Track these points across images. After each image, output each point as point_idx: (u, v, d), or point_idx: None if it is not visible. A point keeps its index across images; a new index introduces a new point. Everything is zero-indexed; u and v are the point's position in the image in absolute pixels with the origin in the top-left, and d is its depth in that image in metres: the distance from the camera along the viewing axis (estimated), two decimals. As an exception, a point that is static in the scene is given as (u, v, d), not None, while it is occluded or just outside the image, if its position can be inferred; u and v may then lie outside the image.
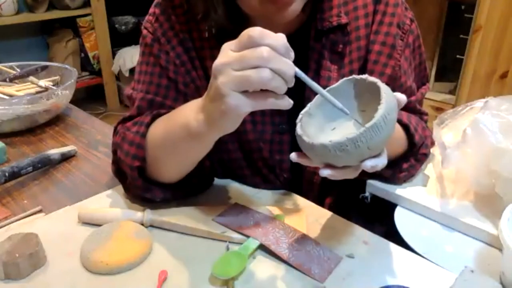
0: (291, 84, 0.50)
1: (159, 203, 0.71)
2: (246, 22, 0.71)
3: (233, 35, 0.70)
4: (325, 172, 0.52)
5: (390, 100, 0.50)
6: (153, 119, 0.69)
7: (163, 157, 0.67)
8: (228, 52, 0.50)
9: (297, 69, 0.50)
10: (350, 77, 0.57)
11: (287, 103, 0.52)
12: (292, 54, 0.50)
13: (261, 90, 0.50)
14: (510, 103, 0.71)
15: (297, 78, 0.51)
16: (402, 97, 0.54)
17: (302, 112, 0.56)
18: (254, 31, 0.48)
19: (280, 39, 0.49)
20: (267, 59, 0.48)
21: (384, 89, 0.51)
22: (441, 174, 0.79)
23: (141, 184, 0.68)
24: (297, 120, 0.55)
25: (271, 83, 0.48)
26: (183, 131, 0.60)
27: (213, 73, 0.51)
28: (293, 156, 0.55)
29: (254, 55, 0.48)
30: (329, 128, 0.59)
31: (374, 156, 0.51)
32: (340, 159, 0.50)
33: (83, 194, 0.77)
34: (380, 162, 0.52)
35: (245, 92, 0.50)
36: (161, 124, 0.67)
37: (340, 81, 0.57)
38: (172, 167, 0.68)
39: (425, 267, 0.60)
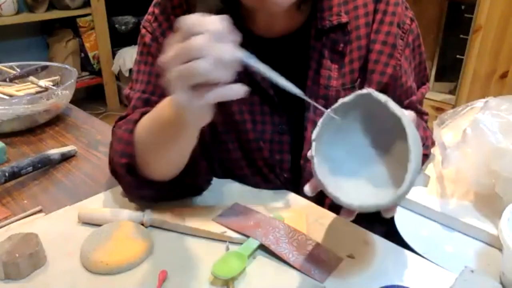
0: (236, 69, 0.47)
1: (159, 203, 0.71)
2: (248, 22, 0.71)
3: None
4: (344, 216, 0.54)
5: (418, 154, 0.49)
6: (142, 115, 0.68)
7: (149, 152, 0.65)
8: (172, 45, 0.48)
9: (240, 53, 0.47)
10: (365, 92, 0.52)
11: (238, 92, 0.49)
12: (234, 37, 0.47)
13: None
14: (510, 103, 0.71)
15: (298, 87, 0.50)
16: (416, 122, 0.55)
17: (313, 138, 0.53)
18: (189, 19, 0.45)
19: (216, 23, 0.46)
20: (201, 48, 0.45)
21: (412, 136, 0.49)
22: (441, 174, 0.79)
23: (131, 182, 0.68)
24: (312, 153, 0.52)
25: (212, 74, 0.45)
26: (162, 123, 0.60)
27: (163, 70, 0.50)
28: (308, 191, 0.56)
29: (190, 46, 0.45)
30: (337, 148, 0.57)
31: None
32: (361, 211, 0.52)
33: (83, 194, 0.77)
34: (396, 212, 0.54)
35: (194, 87, 0.47)
36: (146, 118, 0.66)
37: (353, 95, 0.53)
38: (160, 162, 0.66)
39: (425, 267, 0.60)
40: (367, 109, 0.55)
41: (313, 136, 0.53)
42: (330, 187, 0.51)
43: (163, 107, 0.59)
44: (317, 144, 0.53)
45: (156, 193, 0.69)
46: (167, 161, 0.66)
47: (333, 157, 0.56)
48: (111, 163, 0.74)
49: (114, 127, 0.75)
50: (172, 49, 0.47)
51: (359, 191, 0.54)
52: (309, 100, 0.52)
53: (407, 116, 0.50)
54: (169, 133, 0.60)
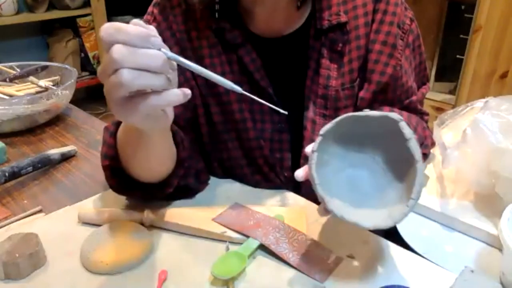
0: (167, 72, 0.45)
1: (159, 203, 0.71)
2: (247, 21, 0.71)
3: (233, 33, 0.70)
4: (321, 214, 0.56)
5: (422, 175, 0.51)
6: None
7: (127, 156, 0.64)
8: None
9: (169, 54, 0.45)
10: (396, 117, 0.52)
11: (177, 96, 0.46)
12: (154, 39, 0.44)
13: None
14: (510, 103, 0.71)
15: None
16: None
17: (314, 148, 0.53)
18: (103, 30, 0.43)
19: (132, 30, 0.43)
20: (120, 60, 0.42)
21: (419, 168, 0.50)
22: (441, 174, 0.79)
23: (117, 183, 0.67)
24: (312, 162, 0.52)
25: (135, 82, 0.43)
26: (127, 131, 0.61)
27: None
28: (320, 212, 0.56)
29: (111, 58, 0.42)
30: (336, 156, 0.58)
31: None
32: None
33: (83, 194, 0.77)
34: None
35: (128, 98, 0.45)
36: (123, 123, 0.65)
37: (380, 113, 0.53)
38: (140, 166, 0.64)
39: (425, 267, 0.60)
40: (382, 130, 0.54)
41: (322, 131, 0.53)
42: (320, 186, 0.52)
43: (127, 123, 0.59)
44: (323, 140, 0.53)
45: (144, 194, 0.68)
46: (147, 165, 0.64)
47: (331, 161, 0.57)
48: None
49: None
50: (104, 59, 0.45)
51: (347, 201, 0.55)
52: (252, 96, 0.50)
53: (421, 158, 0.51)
54: (135, 140, 0.59)
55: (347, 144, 0.58)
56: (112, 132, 0.66)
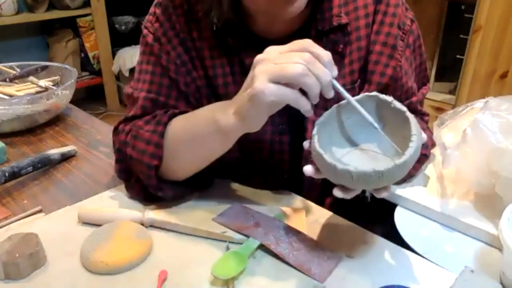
0: (329, 94, 0.53)
1: (159, 203, 0.71)
2: (248, 21, 0.71)
3: (233, 35, 0.70)
4: (338, 194, 0.54)
5: (420, 137, 0.51)
6: (170, 118, 0.69)
7: (183, 154, 0.67)
8: (273, 51, 0.54)
9: (335, 82, 0.53)
10: (373, 94, 0.57)
11: (308, 108, 0.54)
12: (335, 70, 0.53)
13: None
14: (510, 103, 0.71)
15: None
16: (424, 136, 0.55)
17: (317, 122, 0.56)
18: (306, 41, 0.53)
19: (326, 53, 0.53)
20: (307, 60, 0.51)
21: (414, 122, 0.52)
22: (441, 174, 0.79)
23: (155, 183, 0.68)
24: (314, 132, 0.55)
25: (303, 78, 0.51)
26: (210, 126, 0.62)
27: (253, 65, 0.54)
28: (308, 171, 0.56)
29: (297, 54, 0.51)
30: (340, 140, 0.59)
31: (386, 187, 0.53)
32: (357, 185, 0.51)
33: (83, 194, 0.77)
34: (390, 193, 0.54)
35: (275, 83, 0.52)
36: (183, 121, 0.68)
37: (361, 95, 0.57)
38: (191, 163, 0.68)
39: (425, 267, 0.60)
40: (373, 110, 0.57)
41: (319, 120, 0.56)
42: (327, 156, 0.52)
43: (213, 117, 0.61)
44: (320, 127, 0.55)
45: (173, 191, 0.70)
46: (198, 162, 0.68)
47: (333, 142, 0.58)
48: (119, 163, 0.73)
49: (118, 126, 0.74)
50: (274, 52, 0.54)
51: (357, 162, 0.55)
52: (377, 127, 0.55)
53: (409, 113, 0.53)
54: (212, 135, 0.62)
55: (351, 129, 0.59)
56: (160, 132, 0.67)
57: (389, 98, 0.55)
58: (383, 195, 0.54)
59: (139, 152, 0.68)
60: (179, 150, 0.67)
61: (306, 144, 0.58)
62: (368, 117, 0.54)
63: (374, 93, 0.57)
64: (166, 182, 0.70)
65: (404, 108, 0.54)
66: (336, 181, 0.53)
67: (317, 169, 0.55)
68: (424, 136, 0.55)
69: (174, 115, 0.69)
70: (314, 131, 0.55)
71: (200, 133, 0.64)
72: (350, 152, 0.59)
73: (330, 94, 0.53)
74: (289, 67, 0.51)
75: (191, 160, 0.68)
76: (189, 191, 0.73)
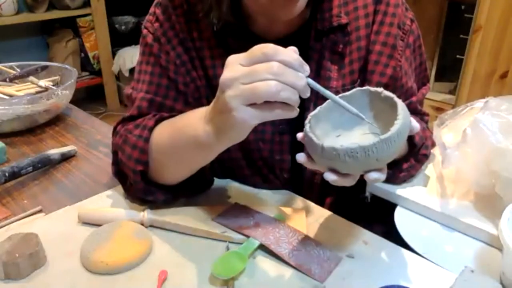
0: (305, 95, 0.51)
1: (159, 203, 0.71)
2: (248, 21, 0.71)
3: (233, 35, 0.70)
4: (330, 177, 0.51)
5: (406, 117, 0.51)
6: (156, 123, 0.69)
7: (167, 163, 0.67)
8: (236, 66, 0.51)
9: (310, 80, 0.51)
10: (364, 87, 0.57)
11: (295, 113, 0.52)
12: (307, 68, 0.51)
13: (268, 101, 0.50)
14: (510, 103, 0.71)
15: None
16: (415, 125, 0.54)
17: (311, 114, 0.56)
18: (268, 47, 0.49)
19: (292, 54, 0.50)
20: (277, 73, 0.48)
21: (401, 105, 0.52)
22: (441, 174, 0.79)
23: (142, 188, 0.69)
24: (306, 121, 0.55)
25: (279, 94, 0.49)
26: (191, 141, 0.60)
27: (221, 87, 0.51)
28: (301, 158, 0.55)
29: (264, 69, 0.48)
30: (334, 134, 0.59)
31: (378, 169, 0.51)
32: (346, 165, 0.50)
33: (83, 194, 0.77)
34: (383, 177, 0.52)
35: (253, 105, 0.50)
36: (166, 131, 0.67)
37: (353, 90, 0.57)
38: (176, 172, 0.68)
39: (425, 267, 0.60)
40: (366, 104, 0.57)
41: (312, 112, 0.56)
42: (315, 137, 0.51)
43: (194, 132, 0.59)
44: (314, 118, 0.55)
45: (164, 196, 0.70)
46: (184, 171, 0.68)
47: (328, 135, 0.58)
48: (115, 165, 0.74)
49: (117, 126, 0.74)
50: (238, 69, 0.50)
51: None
52: (363, 117, 0.53)
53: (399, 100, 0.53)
54: (194, 151, 0.61)
55: (344, 122, 0.59)
56: (145, 138, 0.66)
57: (379, 89, 0.55)
58: (374, 176, 0.50)
59: (126, 157, 0.68)
60: (164, 158, 0.67)
61: (299, 135, 0.56)
62: (351, 108, 0.53)
63: (366, 87, 0.56)
64: (156, 186, 0.69)
65: (392, 95, 0.53)
66: (326, 164, 0.52)
67: (309, 157, 0.54)
68: (416, 124, 0.53)
69: (162, 119, 0.69)
70: (307, 121, 0.54)
71: (180, 147, 0.63)
72: (342, 137, 0.58)
73: (307, 94, 0.51)
74: (261, 87, 0.48)
75: (176, 169, 0.68)
76: (184, 196, 0.73)
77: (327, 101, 0.57)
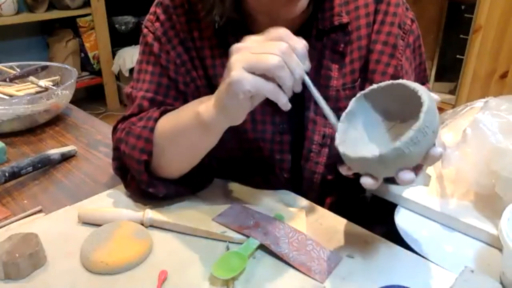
0: (298, 88, 0.53)
1: (159, 203, 0.71)
2: (249, 21, 0.71)
3: (234, 34, 0.70)
4: (367, 181, 0.51)
5: (422, 88, 0.50)
6: (161, 114, 0.69)
7: (169, 150, 0.67)
8: (251, 40, 0.54)
9: (306, 77, 0.53)
10: (358, 95, 0.57)
11: (285, 101, 0.53)
12: (308, 64, 0.53)
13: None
14: (510, 103, 0.71)
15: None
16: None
17: (338, 135, 0.55)
18: (283, 30, 0.53)
19: (302, 45, 0.53)
20: (284, 52, 0.51)
21: (407, 81, 0.52)
22: (441, 174, 0.79)
23: (146, 179, 0.68)
24: (337, 144, 0.53)
25: (278, 70, 0.51)
26: (192, 119, 0.61)
27: (230, 52, 0.54)
28: (343, 170, 0.55)
29: (274, 45, 0.51)
30: (363, 142, 0.57)
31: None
32: (410, 156, 0.48)
33: (83, 194, 0.77)
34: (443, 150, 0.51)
35: (252, 73, 0.52)
36: (170, 118, 0.68)
37: (350, 102, 0.57)
38: (178, 160, 0.68)
39: (425, 267, 0.60)
40: (373, 106, 0.57)
41: (337, 135, 0.55)
42: (341, 147, 0.52)
43: (196, 112, 0.60)
44: (349, 116, 0.56)
45: (165, 189, 0.70)
46: (186, 158, 0.68)
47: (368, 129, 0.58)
48: (116, 160, 0.73)
49: (117, 125, 0.74)
50: (251, 42, 0.54)
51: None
52: (336, 128, 0.55)
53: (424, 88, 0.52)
54: (196, 129, 0.62)
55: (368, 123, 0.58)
56: (151, 127, 0.67)
57: (373, 86, 0.55)
58: (406, 177, 0.49)
59: (131, 147, 0.68)
60: (165, 145, 0.67)
61: (343, 171, 0.55)
62: (331, 118, 0.54)
63: (359, 93, 0.56)
64: (158, 179, 0.70)
65: (397, 81, 0.53)
66: (389, 168, 0.50)
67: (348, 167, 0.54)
68: (436, 97, 0.53)
69: (166, 111, 0.70)
70: (337, 143, 0.54)
71: (183, 127, 0.64)
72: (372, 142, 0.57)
73: (298, 89, 0.53)
74: (266, 57, 0.51)
75: (178, 156, 0.68)
76: (183, 191, 0.73)
77: (357, 96, 0.57)
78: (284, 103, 0.53)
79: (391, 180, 0.75)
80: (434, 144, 0.50)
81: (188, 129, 0.63)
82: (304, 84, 0.54)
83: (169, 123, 0.67)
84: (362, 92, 0.57)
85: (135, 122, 0.70)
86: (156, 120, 0.68)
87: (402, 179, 0.49)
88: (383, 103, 0.56)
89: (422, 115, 0.47)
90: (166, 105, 0.72)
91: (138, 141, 0.67)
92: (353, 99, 0.57)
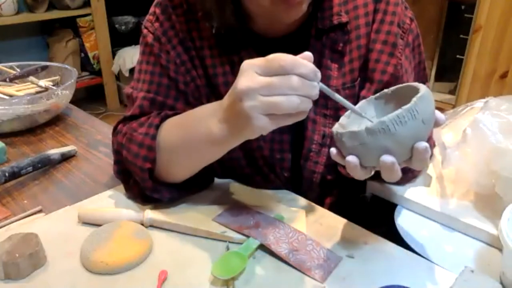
0: (315, 98, 0.52)
1: (159, 203, 0.71)
2: (248, 20, 0.71)
3: (233, 34, 0.70)
4: (351, 160, 0.51)
5: (425, 86, 0.51)
6: (162, 120, 0.69)
7: (177, 160, 0.67)
8: (253, 75, 0.51)
9: (322, 85, 0.52)
10: (368, 98, 0.58)
11: (304, 116, 0.53)
12: (319, 74, 0.51)
13: None
14: (510, 103, 0.71)
15: None
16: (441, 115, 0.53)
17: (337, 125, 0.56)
18: (286, 60, 0.50)
19: (309, 66, 0.50)
20: (296, 88, 0.50)
21: (414, 83, 0.53)
22: (441, 174, 0.79)
23: (150, 186, 0.68)
24: (334, 129, 0.55)
25: (299, 107, 0.50)
26: (205, 138, 0.61)
27: (238, 95, 0.52)
28: (333, 153, 0.55)
29: (285, 84, 0.50)
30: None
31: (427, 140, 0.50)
32: (397, 137, 0.48)
33: (83, 194, 0.77)
34: (430, 150, 0.51)
35: (270, 114, 0.51)
36: (175, 126, 0.67)
37: (360, 102, 0.58)
38: (185, 168, 0.68)
39: (425, 267, 0.60)
40: (396, 106, 0.56)
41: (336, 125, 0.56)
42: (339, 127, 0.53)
43: (208, 129, 0.60)
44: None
45: (170, 194, 0.70)
46: (193, 167, 0.68)
47: None
48: (117, 164, 0.73)
49: (117, 126, 0.74)
50: (256, 80, 0.50)
51: None
52: (363, 115, 0.55)
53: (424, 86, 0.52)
54: (208, 147, 0.62)
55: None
56: (152, 135, 0.67)
57: (379, 93, 0.57)
58: (424, 145, 0.48)
59: (133, 155, 0.68)
60: (174, 156, 0.67)
61: (333, 151, 0.55)
62: (355, 108, 0.54)
63: (369, 97, 0.57)
64: (163, 184, 0.70)
65: (394, 87, 0.55)
66: (374, 148, 0.50)
67: (340, 153, 0.54)
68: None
69: (167, 117, 0.69)
70: (335, 128, 0.55)
71: (193, 144, 0.63)
72: None
73: (316, 97, 0.52)
74: (283, 103, 0.50)
75: (187, 165, 0.68)
76: (187, 193, 0.73)
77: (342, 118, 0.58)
78: (303, 118, 0.54)
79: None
80: (425, 139, 0.50)
81: (198, 145, 0.63)
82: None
83: (175, 134, 0.66)
84: (373, 96, 0.58)
85: (136, 128, 0.69)
86: (157, 127, 0.68)
87: (384, 161, 0.49)
88: (393, 108, 0.56)
89: (414, 99, 0.48)
90: (166, 105, 0.72)
91: (141, 149, 0.67)
92: (364, 100, 0.58)
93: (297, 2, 0.61)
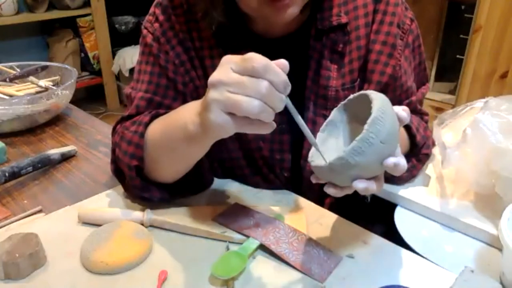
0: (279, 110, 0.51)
1: (159, 203, 0.71)
2: (245, 20, 0.71)
3: (233, 35, 0.70)
4: (331, 191, 0.52)
5: (380, 97, 0.51)
6: (152, 119, 0.69)
7: (160, 157, 0.67)
8: (228, 70, 0.50)
9: (288, 102, 0.51)
10: (339, 105, 0.58)
11: (270, 129, 0.52)
12: (289, 89, 0.50)
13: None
14: (510, 103, 0.71)
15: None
16: (401, 112, 0.53)
17: (312, 151, 0.55)
18: (259, 63, 0.48)
19: (281, 76, 0.49)
20: (264, 95, 0.48)
21: (370, 91, 0.52)
22: (441, 174, 0.79)
23: (139, 184, 0.68)
24: (309, 158, 0.54)
25: (259, 115, 0.49)
26: (180, 132, 0.60)
27: (209, 86, 0.52)
28: (329, 189, 0.54)
29: (253, 87, 0.48)
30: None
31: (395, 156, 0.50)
32: (361, 166, 0.49)
33: (83, 194, 0.77)
34: (401, 161, 0.50)
35: (231, 114, 0.50)
36: (159, 124, 0.67)
37: (332, 112, 0.58)
38: (169, 167, 0.68)
39: (425, 267, 0.60)
40: (350, 117, 0.58)
41: (311, 151, 0.55)
42: (321, 161, 0.52)
43: (184, 123, 0.59)
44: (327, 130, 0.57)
45: (160, 194, 0.70)
46: (176, 166, 0.67)
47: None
48: (113, 163, 0.74)
49: (116, 126, 0.75)
50: (228, 75, 0.50)
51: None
52: (319, 151, 0.53)
53: (379, 94, 0.52)
54: (187, 145, 0.61)
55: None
56: (141, 133, 0.67)
57: (349, 97, 0.56)
58: (397, 164, 0.49)
59: (123, 152, 0.68)
60: (157, 153, 0.66)
61: (312, 179, 0.55)
62: (312, 139, 0.53)
63: (340, 104, 0.57)
64: (153, 183, 0.70)
65: (359, 92, 0.54)
66: (345, 177, 0.51)
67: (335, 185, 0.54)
68: (402, 113, 0.53)
69: (157, 115, 0.69)
70: (310, 157, 0.54)
71: (171, 138, 0.63)
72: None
73: (280, 110, 0.51)
74: (244, 104, 0.48)
75: (168, 163, 0.67)
76: (179, 196, 0.72)
77: (318, 134, 0.57)
78: (268, 131, 0.52)
79: (390, 180, 0.76)
80: (392, 154, 0.50)
81: (174, 140, 0.62)
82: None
83: (157, 130, 0.66)
84: (342, 102, 0.57)
85: (128, 127, 0.70)
86: (147, 125, 0.68)
87: (356, 187, 0.50)
88: (361, 113, 0.56)
89: (366, 126, 0.48)
90: (164, 105, 0.72)
91: (129, 147, 0.67)
92: (335, 109, 0.58)
93: (283, 4, 0.60)
